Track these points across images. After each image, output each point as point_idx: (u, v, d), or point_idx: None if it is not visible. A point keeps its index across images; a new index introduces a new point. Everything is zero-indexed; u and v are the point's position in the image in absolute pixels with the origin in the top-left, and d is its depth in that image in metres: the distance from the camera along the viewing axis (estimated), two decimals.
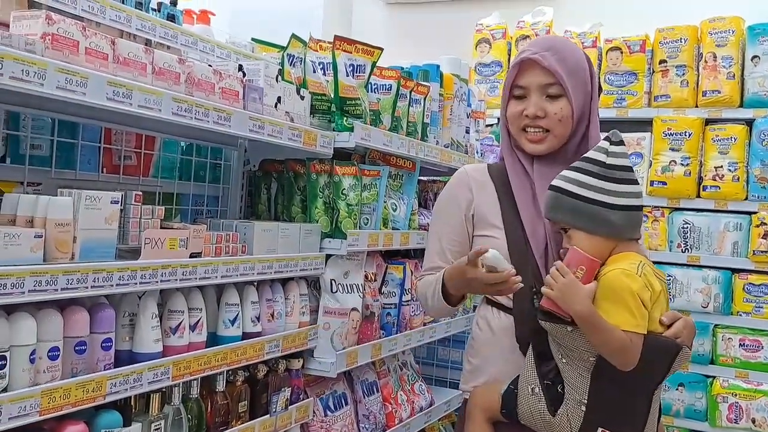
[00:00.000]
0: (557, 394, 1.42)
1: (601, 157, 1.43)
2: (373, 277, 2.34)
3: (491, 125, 3.82)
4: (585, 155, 1.48)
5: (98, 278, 1.38)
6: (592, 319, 1.34)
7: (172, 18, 1.91)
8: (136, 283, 1.47)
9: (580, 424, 1.39)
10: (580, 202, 1.41)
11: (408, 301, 2.49)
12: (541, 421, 1.44)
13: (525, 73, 1.57)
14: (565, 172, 1.47)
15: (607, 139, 1.47)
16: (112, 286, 1.42)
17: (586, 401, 1.38)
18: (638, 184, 1.47)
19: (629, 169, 1.45)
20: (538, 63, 1.55)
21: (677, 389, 3.40)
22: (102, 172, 1.90)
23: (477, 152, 3.12)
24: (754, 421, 3.22)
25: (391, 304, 2.42)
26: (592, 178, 1.42)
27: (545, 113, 1.55)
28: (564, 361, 1.41)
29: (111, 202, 1.43)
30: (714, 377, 3.35)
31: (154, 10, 1.88)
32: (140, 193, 1.60)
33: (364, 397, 2.36)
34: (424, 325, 2.61)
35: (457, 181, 1.71)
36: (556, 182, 1.47)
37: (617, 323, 1.34)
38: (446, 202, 1.71)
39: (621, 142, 1.46)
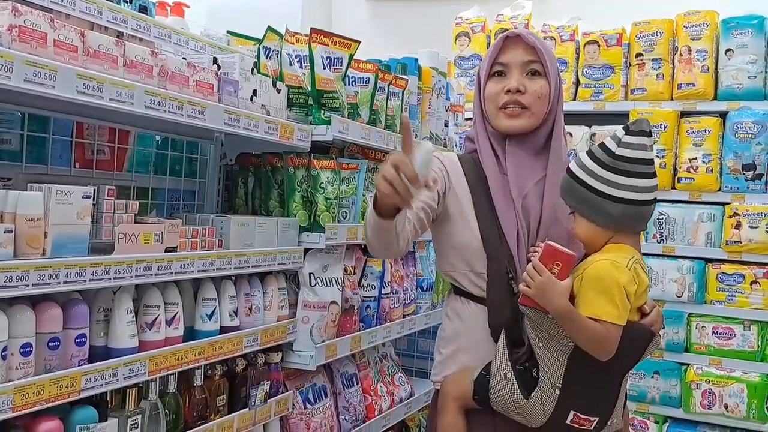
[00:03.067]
0: (531, 378, 1.43)
1: (612, 146, 1.42)
2: (352, 270, 2.34)
3: (470, 119, 3.83)
4: (602, 142, 1.45)
5: (71, 273, 1.37)
6: (570, 315, 1.36)
7: (144, 10, 1.89)
8: (110, 278, 1.46)
9: (553, 408, 1.41)
10: (585, 189, 1.42)
11: (388, 293, 2.50)
12: (513, 406, 1.45)
13: (507, 50, 1.59)
14: (582, 156, 1.47)
15: (625, 127, 1.43)
16: (85, 281, 1.41)
17: (560, 385, 1.40)
18: (651, 178, 1.42)
19: (642, 161, 1.40)
20: (521, 39, 1.57)
21: (652, 377, 3.46)
22: (74, 166, 1.87)
23: (456, 145, 3.14)
24: (726, 407, 3.30)
25: (371, 296, 2.42)
26: (598, 167, 1.42)
27: (525, 89, 1.56)
28: (541, 345, 1.42)
29: (83, 197, 1.42)
30: (688, 365, 3.42)
31: (125, 1, 1.86)
32: (113, 187, 1.58)
33: (344, 389, 2.37)
34: (404, 317, 2.62)
35: (436, 162, 1.63)
36: (571, 166, 1.47)
37: (599, 313, 1.35)
38: None
39: (640, 133, 1.40)
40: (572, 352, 1.40)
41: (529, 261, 1.51)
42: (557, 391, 1.40)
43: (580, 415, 1.41)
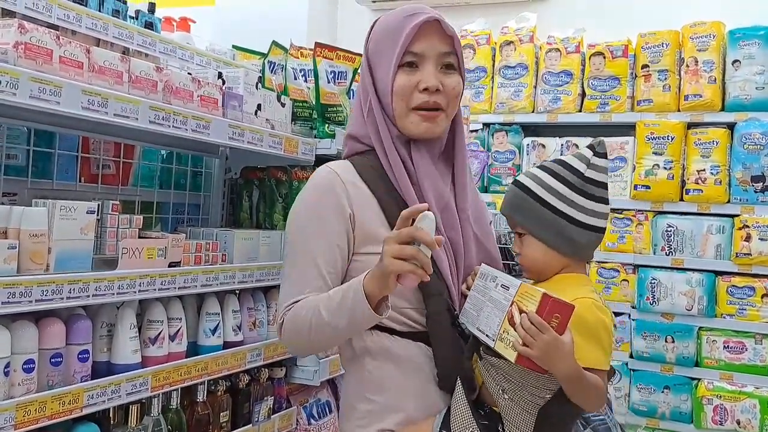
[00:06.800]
0: None
1: (581, 167, 1.30)
2: None
3: (475, 131, 3.83)
4: (562, 159, 1.31)
5: (74, 289, 1.37)
6: (579, 378, 1.17)
7: (150, 26, 1.90)
8: (113, 294, 1.46)
9: None
10: (547, 210, 1.28)
11: None
12: None
13: (422, 37, 1.30)
14: (537, 172, 1.31)
15: (590, 147, 1.31)
16: (88, 296, 1.40)
17: None
18: (608, 204, 1.33)
19: (605, 186, 1.31)
20: (440, 26, 1.31)
21: (663, 392, 3.41)
22: (80, 181, 1.88)
23: None
24: (738, 423, 3.24)
25: None
26: (565, 188, 1.28)
27: (443, 86, 1.31)
28: (507, 396, 1.22)
29: (87, 212, 1.42)
30: (699, 379, 3.37)
31: (131, 17, 1.87)
32: (117, 202, 1.59)
33: None
34: None
35: (329, 186, 1.33)
36: (524, 180, 1.31)
37: (590, 363, 1.19)
38: (320, 212, 1.31)
39: (605, 155, 1.30)
40: (546, 404, 1.21)
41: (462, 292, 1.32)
42: None
43: None
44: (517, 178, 1.34)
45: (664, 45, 3.57)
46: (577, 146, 3.70)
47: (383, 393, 1.31)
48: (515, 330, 1.14)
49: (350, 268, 1.33)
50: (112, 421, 1.53)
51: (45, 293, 1.31)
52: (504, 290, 1.20)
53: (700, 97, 3.47)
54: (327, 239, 1.30)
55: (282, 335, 1.34)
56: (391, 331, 1.32)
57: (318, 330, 1.25)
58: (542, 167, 1.33)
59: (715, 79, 3.45)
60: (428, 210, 1.15)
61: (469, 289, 1.32)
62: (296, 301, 1.29)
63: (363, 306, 1.17)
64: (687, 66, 3.52)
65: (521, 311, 1.15)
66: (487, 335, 1.21)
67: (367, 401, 1.33)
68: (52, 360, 1.38)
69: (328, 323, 1.23)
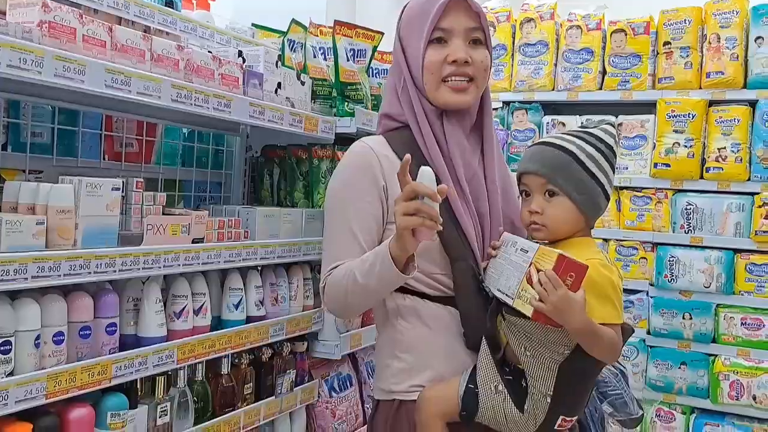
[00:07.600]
0: (521, 389, 1.32)
1: (611, 142, 1.38)
2: None
3: (495, 109, 3.80)
4: (593, 133, 1.38)
5: (101, 264, 1.40)
6: (593, 330, 1.25)
7: (170, 4, 1.91)
8: (138, 269, 1.49)
9: (544, 417, 1.32)
10: (589, 177, 1.34)
11: None
12: (505, 420, 1.34)
13: (449, 14, 1.40)
14: (575, 140, 1.36)
15: (611, 125, 1.41)
16: (114, 271, 1.44)
17: (551, 393, 1.30)
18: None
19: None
20: (466, 2, 1.40)
21: (680, 367, 3.42)
22: (104, 159, 1.91)
23: None
24: (754, 398, 3.25)
25: None
26: (603, 159, 1.36)
27: (471, 60, 1.40)
28: (528, 353, 1.30)
29: (112, 189, 1.44)
30: (716, 356, 3.37)
31: None
32: (141, 179, 1.61)
33: (369, 378, 2.39)
34: None
35: (364, 160, 1.43)
36: (565, 144, 1.35)
37: (603, 318, 1.27)
38: (355, 185, 1.42)
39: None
40: (565, 360, 1.29)
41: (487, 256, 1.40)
42: (548, 400, 1.30)
43: (566, 418, 1.34)
44: (553, 141, 1.39)
45: (687, 22, 3.51)
46: None
47: (414, 352, 1.42)
48: (533, 288, 1.22)
49: (384, 237, 1.41)
50: (139, 393, 1.58)
51: (73, 268, 1.35)
52: (523, 253, 1.29)
53: (722, 74, 3.41)
54: (362, 208, 1.40)
55: (324, 299, 1.45)
56: (422, 295, 1.41)
57: (353, 292, 1.35)
58: (578, 136, 1.39)
59: (738, 56, 3.39)
60: (426, 167, 1.23)
61: (491, 256, 1.40)
62: (335, 267, 1.40)
63: (389, 267, 1.25)
64: (709, 43, 3.45)
65: (538, 271, 1.23)
66: (507, 295, 1.29)
67: (399, 360, 1.43)
68: (81, 333, 1.42)
69: (362, 285, 1.32)
